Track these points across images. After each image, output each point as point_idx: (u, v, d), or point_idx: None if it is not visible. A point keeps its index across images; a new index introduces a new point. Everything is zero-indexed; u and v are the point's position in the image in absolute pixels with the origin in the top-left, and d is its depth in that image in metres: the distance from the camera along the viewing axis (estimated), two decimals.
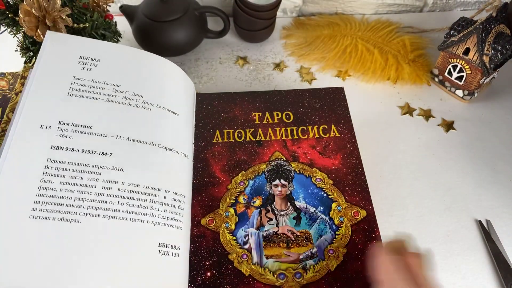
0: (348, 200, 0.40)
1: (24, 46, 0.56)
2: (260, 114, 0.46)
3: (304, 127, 0.45)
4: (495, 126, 0.60)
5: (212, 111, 0.46)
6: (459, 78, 0.61)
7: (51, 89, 0.37)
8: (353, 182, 0.41)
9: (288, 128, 0.45)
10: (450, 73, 0.62)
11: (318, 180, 0.41)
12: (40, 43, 0.54)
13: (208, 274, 0.35)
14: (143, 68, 0.42)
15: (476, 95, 0.62)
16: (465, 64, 0.59)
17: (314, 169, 0.42)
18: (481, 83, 0.59)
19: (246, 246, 0.37)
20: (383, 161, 0.55)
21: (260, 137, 0.44)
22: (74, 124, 0.36)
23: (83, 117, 0.36)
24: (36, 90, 0.36)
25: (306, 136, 0.44)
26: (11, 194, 0.31)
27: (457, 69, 0.60)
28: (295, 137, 0.44)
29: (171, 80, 0.43)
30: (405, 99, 0.63)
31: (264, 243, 0.37)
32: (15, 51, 0.56)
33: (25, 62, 0.58)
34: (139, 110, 0.39)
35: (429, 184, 0.53)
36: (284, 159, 0.42)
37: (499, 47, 0.55)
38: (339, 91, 0.48)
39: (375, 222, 0.39)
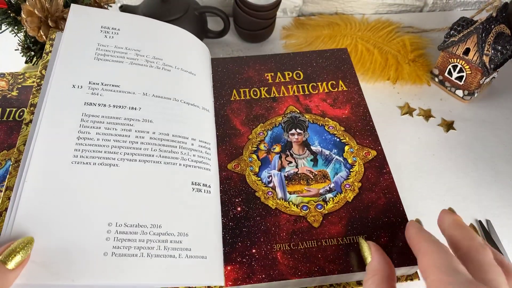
0: (359, 143, 0.44)
1: (26, 45, 0.56)
2: (272, 74, 0.50)
3: (314, 84, 0.49)
4: (495, 126, 0.60)
5: (228, 73, 0.50)
6: (459, 78, 0.61)
7: (79, 53, 0.42)
8: (363, 128, 0.45)
9: (300, 85, 0.49)
10: (450, 73, 0.62)
11: (330, 127, 0.45)
12: (42, 43, 0.54)
13: (239, 209, 0.39)
14: (160, 35, 0.47)
15: (476, 95, 0.62)
16: (465, 64, 0.59)
17: (326, 118, 0.46)
18: (481, 83, 0.60)
19: (270, 185, 0.41)
20: None
21: (274, 94, 0.48)
22: (104, 84, 0.40)
23: (111, 78, 0.41)
24: (66, 55, 0.41)
25: (317, 91, 0.48)
26: (53, 143, 0.36)
27: (457, 69, 0.60)
28: (307, 92, 0.48)
29: (186, 44, 0.48)
30: (405, 99, 0.63)
31: (286, 181, 0.41)
32: (15, 50, 0.56)
33: (26, 62, 0.58)
34: (160, 71, 0.44)
35: (429, 184, 0.53)
36: (298, 111, 0.46)
37: (499, 47, 0.55)
38: (343, 51, 0.53)
39: (385, 160, 0.43)
